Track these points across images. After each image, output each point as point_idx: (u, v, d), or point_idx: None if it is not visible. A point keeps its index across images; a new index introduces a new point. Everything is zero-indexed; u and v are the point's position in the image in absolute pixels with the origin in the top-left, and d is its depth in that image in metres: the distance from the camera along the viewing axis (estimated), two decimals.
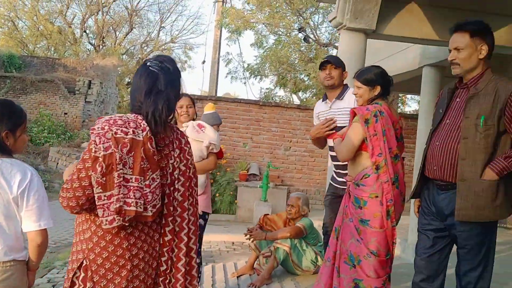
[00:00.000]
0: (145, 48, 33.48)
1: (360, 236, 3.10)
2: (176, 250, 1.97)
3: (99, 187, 1.73)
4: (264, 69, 14.30)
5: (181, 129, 3.32)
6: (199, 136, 3.40)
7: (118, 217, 1.74)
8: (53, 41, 29.00)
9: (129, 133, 1.79)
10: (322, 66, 3.73)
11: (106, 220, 1.74)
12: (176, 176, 1.97)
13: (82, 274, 1.84)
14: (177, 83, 2.00)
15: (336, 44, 13.64)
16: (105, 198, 1.74)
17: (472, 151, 2.62)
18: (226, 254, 6.12)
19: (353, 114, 3.22)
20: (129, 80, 32.80)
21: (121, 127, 1.80)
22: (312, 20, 13.16)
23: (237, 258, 5.64)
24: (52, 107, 19.12)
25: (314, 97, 16.02)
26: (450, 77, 3.35)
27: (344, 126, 3.58)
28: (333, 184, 3.85)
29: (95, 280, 1.82)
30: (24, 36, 29.97)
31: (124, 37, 31.52)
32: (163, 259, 1.95)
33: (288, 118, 11.05)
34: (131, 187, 1.76)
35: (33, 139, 16.77)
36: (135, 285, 1.87)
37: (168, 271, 1.95)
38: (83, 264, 1.84)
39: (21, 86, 19.17)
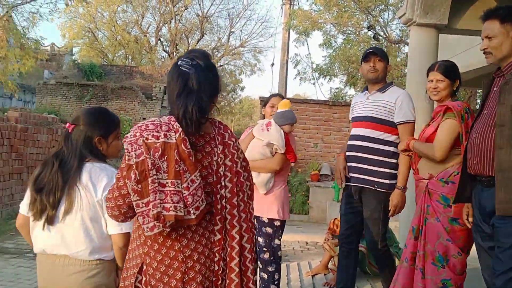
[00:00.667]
0: (216, 53, 34.27)
1: (449, 236, 3.02)
2: (228, 249, 1.90)
3: (136, 195, 1.73)
4: (333, 68, 14.20)
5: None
6: (261, 135, 3.34)
7: (158, 223, 1.72)
8: (130, 49, 30.53)
9: (160, 137, 1.75)
10: (366, 58, 3.48)
11: (147, 227, 1.74)
12: (221, 172, 1.90)
13: (144, 278, 1.84)
14: (212, 79, 1.91)
15: (408, 41, 13.29)
16: (143, 205, 1.73)
17: (510, 139, 2.40)
18: (300, 253, 6.20)
19: (444, 110, 3.12)
20: None
21: (152, 131, 1.76)
22: (381, 18, 12.94)
23: (311, 258, 5.71)
24: (131, 113, 20.18)
25: None
26: None
27: (377, 118, 3.41)
28: (347, 184, 3.58)
29: (152, 284, 1.82)
30: (103, 46, 31.73)
31: (196, 44, 32.45)
32: (215, 259, 1.89)
33: None
34: (168, 192, 1.72)
35: None
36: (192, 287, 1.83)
37: (221, 271, 1.89)
38: (143, 268, 1.85)
39: (102, 94, 20.39)
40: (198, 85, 1.83)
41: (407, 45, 12.85)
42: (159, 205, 1.70)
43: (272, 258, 3.36)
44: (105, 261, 2.24)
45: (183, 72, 1.84)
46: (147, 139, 1.75)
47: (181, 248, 1.82)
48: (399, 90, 3.49)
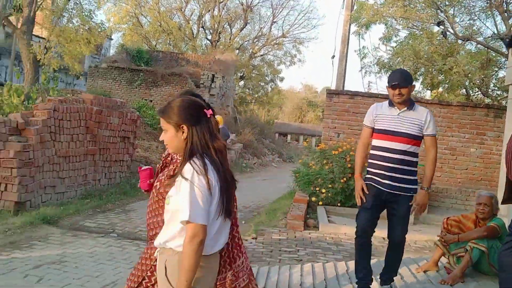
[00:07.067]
0: (257, 42, 34.22)
1: None
2: None
3: None
4: (397, 63, 13.93)
5: None
6: None
7: None
8: (174, 36, 30.66)
9: None
10: (393, 86, 3.84)
11: None
12: None
13: None
14: None
15: (477, 38, 12.91)
16: None
17: None
18: (382, 248, 6.14)
19: None
20: (242, 74, 33.73)
21: None
22: (449, 13, 12.57)
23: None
24: None
25: (447, 93, 15.38)
26: None
27: (412, 134, 3.80)
28: (377, 186, 3.91)
29: None
30: (146, 31, 31.98)
31: (239, 32, 32.46)
32: None
33: None
34: None
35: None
36: None
37: None
38: None
39: (152, 79, 20.56)
40: None
41: (476, 42, 12.64)
42: None
43: None
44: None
45: None
46: None
47: None
48: (424, 108, 3.97)
